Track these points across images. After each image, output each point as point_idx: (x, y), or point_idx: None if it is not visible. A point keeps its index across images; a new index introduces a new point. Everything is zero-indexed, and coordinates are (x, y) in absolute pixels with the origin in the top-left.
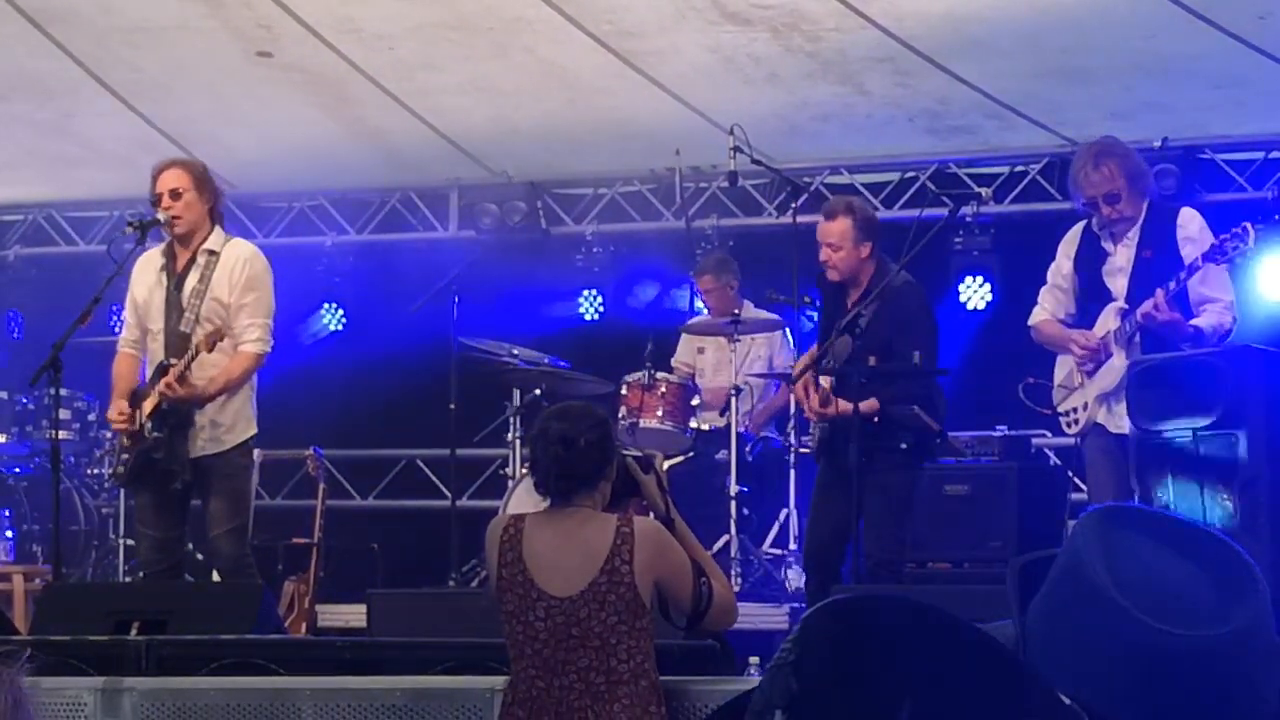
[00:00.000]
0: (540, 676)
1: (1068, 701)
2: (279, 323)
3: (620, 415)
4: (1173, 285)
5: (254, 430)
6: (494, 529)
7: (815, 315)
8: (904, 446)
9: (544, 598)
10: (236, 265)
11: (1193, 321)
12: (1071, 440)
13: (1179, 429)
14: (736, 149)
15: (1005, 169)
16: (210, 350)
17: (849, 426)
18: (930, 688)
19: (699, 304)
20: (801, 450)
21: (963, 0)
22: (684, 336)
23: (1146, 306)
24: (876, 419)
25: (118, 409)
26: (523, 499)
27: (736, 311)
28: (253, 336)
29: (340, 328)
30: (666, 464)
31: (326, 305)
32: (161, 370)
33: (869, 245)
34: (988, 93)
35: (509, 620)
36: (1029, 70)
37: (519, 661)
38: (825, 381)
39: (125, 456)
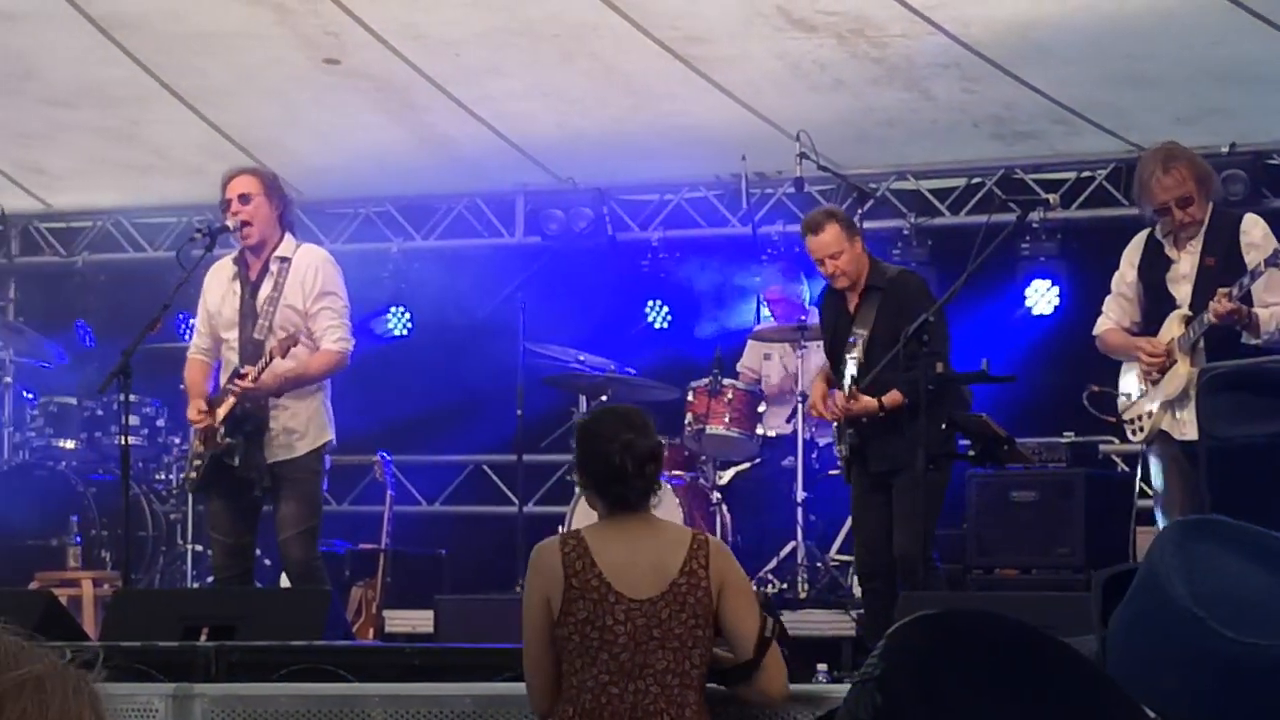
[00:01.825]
0: (614, 682)
1: (1154, 717)
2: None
3: (687, 422)
4: (1235, 290)
5: (328, 437)
6: (549, 548)
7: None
8: (972, 454)
9: (622, 601)
10: (309, 272)
11: (1253, 309)
12: (1139, 447)
13: (1250, 436)
14: (802, 155)
15: (1072, 174)
16: (284, 356)
17: (879, 430)
18: (1017, 704)
19: (765, 311)
20: (830, 474)
21: (1029, 6)
22: (750, 342)
23: (1214, 308)
24: (945, 425)
25: (196, 407)
26: (590, 504)
27: (803, 318)
28: (335, 336)
29: (406, 333)
30: (732, 470)
31: (394, 309)
32: (236, 377)
33: (859, 239)
34: (1054, 98)
35: (580, 629)
36: (1095, 76)
37: (588, 670)
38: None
39: (198, 463)
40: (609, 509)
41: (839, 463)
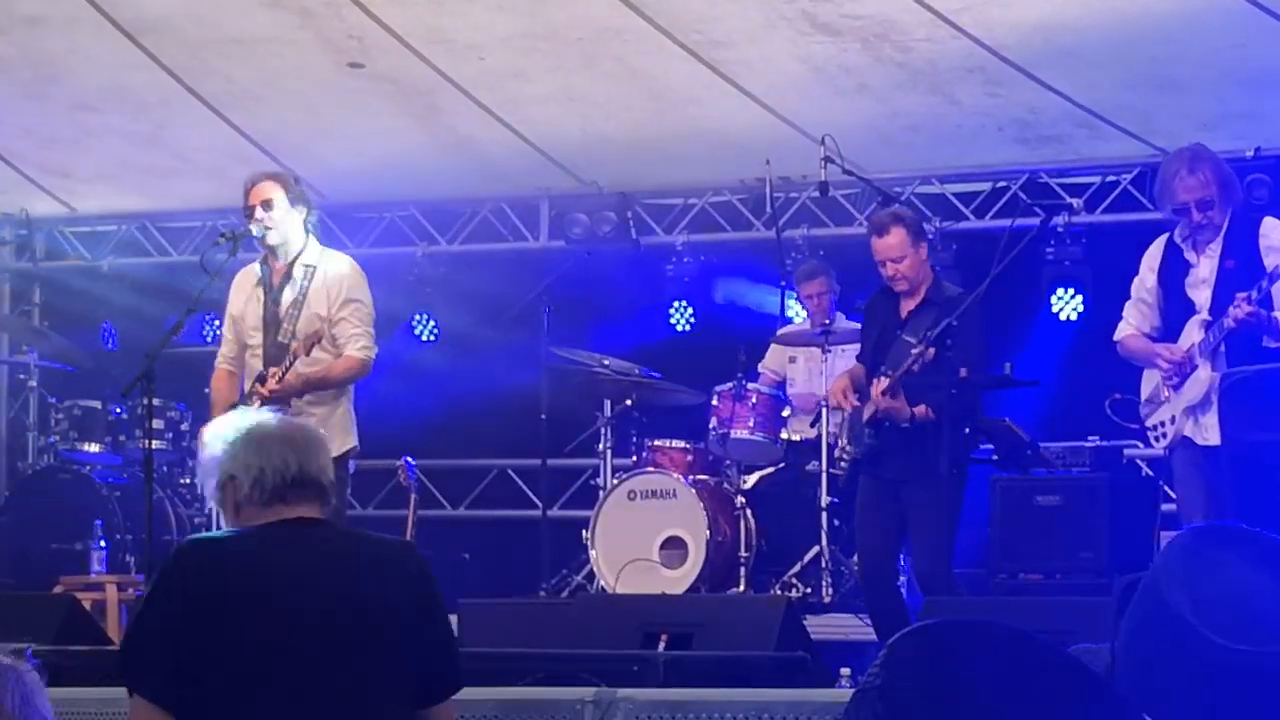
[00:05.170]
0: None
1: None
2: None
3: (711, 426)
4: (1255, 293)
5: (352, 444)
6: None
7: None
8: (995, 458)
9: None
10: (335, 278)
11: (1275, 314)
12: (1164, 451)
13: (1272, 440)
14: (827, 159)
15: (1096, 179)
16: (308, 354)
17: (899, 439)
18: (1018, 715)
19: (790, 312)
20: (833, 472)
21: (1053, 10)
22: (774, 345)
23: (1233, 313)
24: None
25: None
26: (614, 509)
27: (828, 321)
28: (358, 344)
29: (432, 338)
30: (756, 475)
31: (418, 315)
32: (259, 381)
33: (924, 246)
34: (1078, 102)
35: None
36: (1120, 80)
37: None
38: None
39: None
40: None
41: (842, 463)
